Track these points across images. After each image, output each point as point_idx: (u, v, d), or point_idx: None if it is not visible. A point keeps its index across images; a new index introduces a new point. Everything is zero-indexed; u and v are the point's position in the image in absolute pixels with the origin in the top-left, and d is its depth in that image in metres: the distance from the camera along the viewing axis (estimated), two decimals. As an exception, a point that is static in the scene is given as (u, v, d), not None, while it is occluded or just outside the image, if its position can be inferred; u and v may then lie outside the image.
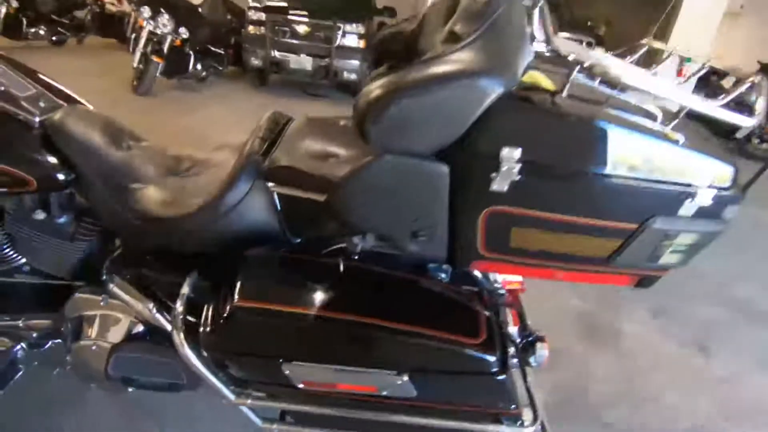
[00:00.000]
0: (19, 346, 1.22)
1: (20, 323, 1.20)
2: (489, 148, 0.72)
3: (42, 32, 6.52)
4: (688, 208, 0.78)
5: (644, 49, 1.14)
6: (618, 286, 1.00)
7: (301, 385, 0.91)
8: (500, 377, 0.92)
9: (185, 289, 0.99)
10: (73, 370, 1.19)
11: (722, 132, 5.89)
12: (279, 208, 1.00)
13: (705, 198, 0.77)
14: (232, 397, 0.97)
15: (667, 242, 0.83)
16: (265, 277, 0.94)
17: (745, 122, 0.76)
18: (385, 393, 0.92)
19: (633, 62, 1.18)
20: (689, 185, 0.76)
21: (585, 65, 0.74)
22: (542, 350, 1.09)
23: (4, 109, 1.02)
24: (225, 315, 0.88)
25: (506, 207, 0.78)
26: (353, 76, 5.63)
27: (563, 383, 1.74)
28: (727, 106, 0.79)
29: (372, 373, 0.89)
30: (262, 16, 5.59)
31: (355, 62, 5.59)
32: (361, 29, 5.68)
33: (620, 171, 0.76)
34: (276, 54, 5.61)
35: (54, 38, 6.72)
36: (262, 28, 5.60)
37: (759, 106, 0.77)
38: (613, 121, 0.77)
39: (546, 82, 0.89)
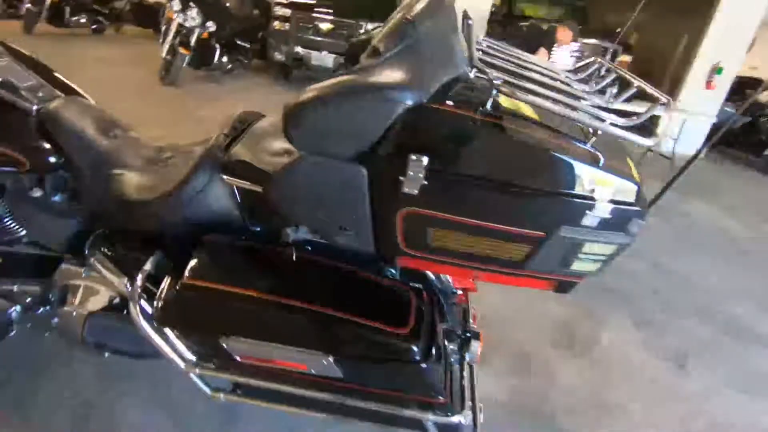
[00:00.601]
0: (13, 309, 1.37)
1: (15, 288, 1.35)
2: (399, 154, 0.80)
3: (83, 21, 6.92)
4: (590, 219, 0.83)
5: (595, 67, 1.18)
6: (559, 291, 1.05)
7: (238, 359, 1.01)
8: (422, 366, 0.98)
9: (147, 266, 1.10)
10: (58, 333, 1.34)
11: (751, 149, 5.75)
12: (239, 198, 1.10)
13: (603, 210, 0.81)
14: (182, 365, 1.08)
15: (576, 250, 0.89)
16: (214, 260, 1.04)
17: (645, 142, 0.80)
18: (314, 372, 1.00)
19: (590, 78, 1.21)
20: (589, 198, 0.81)
21: (499, 86, 0.80)
22: (475, 347, 1.15)
23: (4, 97, 1.16)
24: (173, 290, 0.98)
25: (420, 209, 0.85)
26: (373, 75, 5.72)
27: (525, 387, 1.78)
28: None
29: (300, 352, 0.97)
30: (287, 12, 5.75)
31: (375, 61, 5.67)
32: (383, 28, 5.76)
33: (525, 182, 0.82)
34: (299, 50, 5.77)
35: (94, 27, 7.12)
36: (287, 24, 5.77)
37: (660, 128, 0.80)
38: (525, 137, 0.82)
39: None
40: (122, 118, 1.38)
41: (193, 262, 1.02)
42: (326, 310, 0.96)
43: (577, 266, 0.92)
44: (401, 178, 0.80)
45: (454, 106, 0.83)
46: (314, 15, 5.79)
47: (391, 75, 0.78)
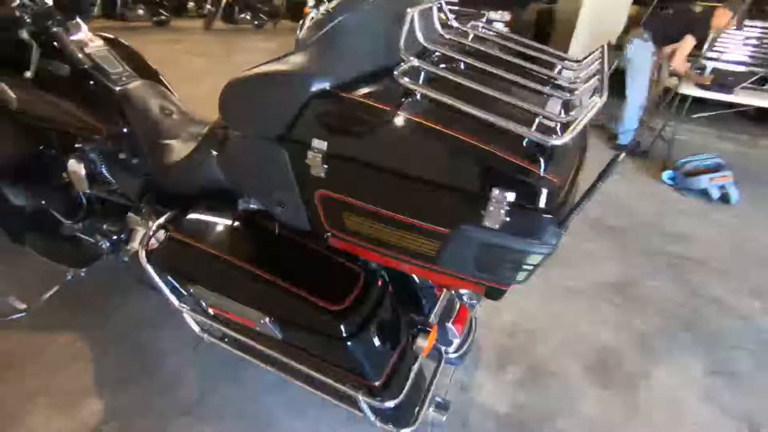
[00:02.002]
0: (104, 241, 1.80)
1: (105, 225, 1.77)
2: (303, 137, 0.85)
3: (248, 18, 8.12)
4: (491, 220, 0.77)
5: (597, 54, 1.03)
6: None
7: (204, 305, 1.19)
8: (347, 344, 1.02)
9: (161, 219, 1.35)
10: (125, 268, 1.72)
11: None
12: None
13: (499, 212, 0.75)
14: (176, 303, 1.31)
15: (489, 253, 0.83)
16: (198, 221, 1.22)
17: (550, 141, 0.70)
18: (258, 329, 1.12)
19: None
20: (480, 197, 0.76)
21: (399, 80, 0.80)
22: (421, 341, 1.15)
23: (97, 79, 1.52)
24: (163, 241, 1.20)
25: (330, 192, 0.89)
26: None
27: (533, 406, 1.64)
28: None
29: (245, 309, 1.10)
30: (410, 3, 5.89)
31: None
32: (507, 17, 5.52)
33: (420, 175, 0.80)
34: (418, 40, 5.87)
35: (256, 23, 8.32)
36: (410, 16, 5.91)
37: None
38: (425, 130, 0.80)
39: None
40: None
41: (182, 220, 1.22)
42: (269, 276, 1.06)
43: (495, 271, 0.86)
44: (305, 161, 0.86)
45: (367, 95, 0.85)
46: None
47: (301, 62, 0.84)
